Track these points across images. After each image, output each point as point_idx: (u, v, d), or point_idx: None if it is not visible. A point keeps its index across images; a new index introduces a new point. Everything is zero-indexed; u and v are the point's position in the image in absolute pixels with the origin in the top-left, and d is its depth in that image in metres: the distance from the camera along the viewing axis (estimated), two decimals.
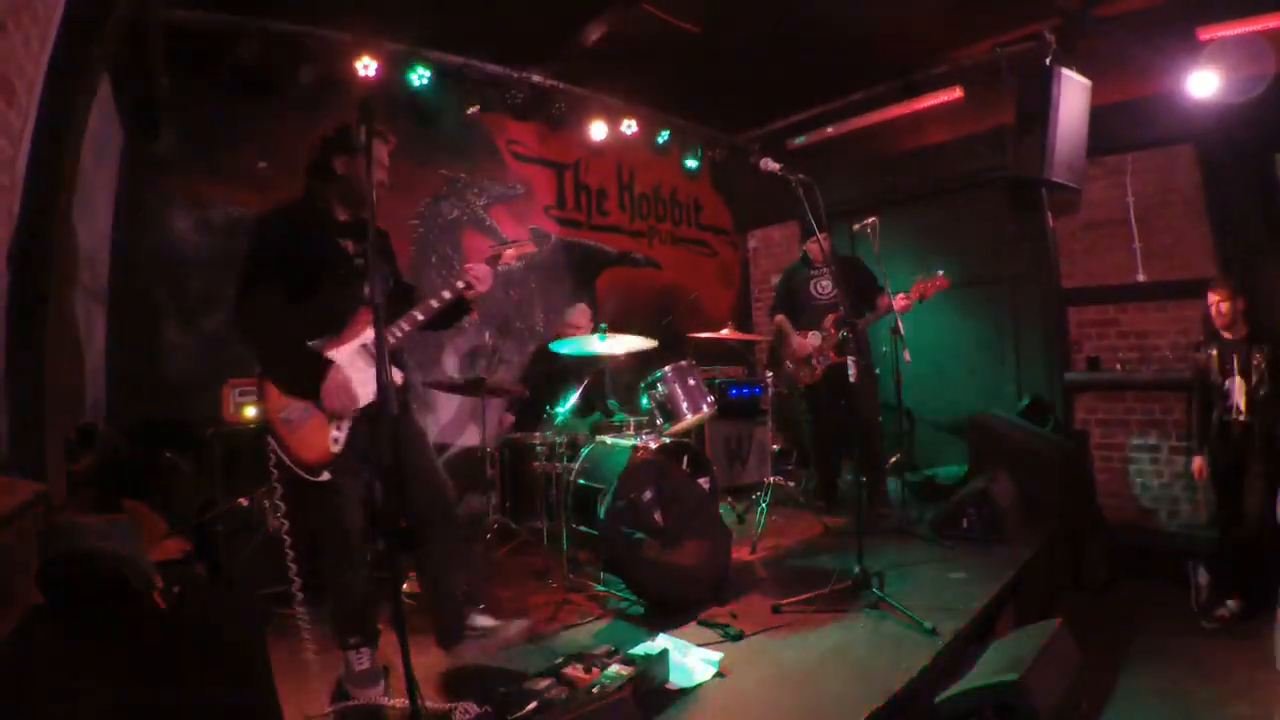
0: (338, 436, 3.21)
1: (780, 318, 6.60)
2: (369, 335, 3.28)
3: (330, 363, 3.19)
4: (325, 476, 3.18)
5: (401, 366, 3.47)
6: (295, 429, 3.16)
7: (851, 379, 4.78)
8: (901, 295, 5.73)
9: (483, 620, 3.67)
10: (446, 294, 3.49)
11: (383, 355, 2.46)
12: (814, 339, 6.20)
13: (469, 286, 3.53)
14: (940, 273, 5.68)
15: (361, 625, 3.38)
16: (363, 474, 3.30)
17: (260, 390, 3.21)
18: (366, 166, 2.65)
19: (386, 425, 2.61)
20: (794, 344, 6.36)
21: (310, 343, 3.23)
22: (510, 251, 3.79)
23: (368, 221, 2.65)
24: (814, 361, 6.16)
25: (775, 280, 9.64)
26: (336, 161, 3.40)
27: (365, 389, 3.25)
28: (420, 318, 3.43)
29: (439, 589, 3.62)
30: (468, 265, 3.59)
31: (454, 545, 3.65)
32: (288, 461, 3.14)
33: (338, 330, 3.29)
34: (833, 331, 6.09)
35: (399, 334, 3.39)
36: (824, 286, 6.40)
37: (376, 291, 2.63)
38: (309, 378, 3.16)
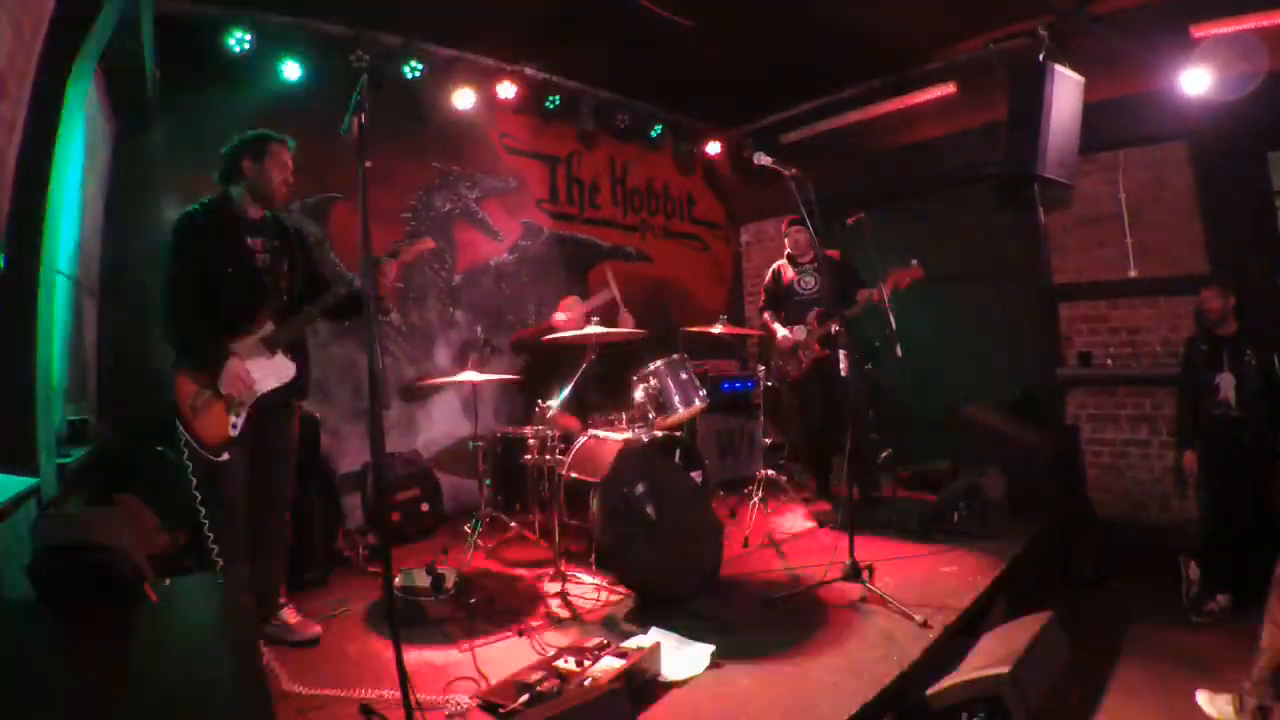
0: (236, 423, 3.59)
1: (766, 315, 6.66)
2: (268, 329, 3.69)
3: (229, 354, 3.54)
4: (225, 457, 3.55)
5: (298, 359, 3.84)
6: (199, 414, 3.52)
7: (843, 372, 4.80)
8: (881, 285, 5.73)
9: (288, 617, 3.87)
10: (342, 290, 3.84)
11: (374, 350, 2.49)
12: (798, 333, 6.26)
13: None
14: (914, 262, 5.70)
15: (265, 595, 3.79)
16: (247, 457, 3.69)
17: (174, 382, 3.54)
18: (360, 155, 2.70)
19: (377, 415, 2.68)
20: (778, 339, 6.42)
21: (220, 334, 3.60)
22: (411, 248, 3.95)
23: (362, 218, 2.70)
24: (800, 354, 6.21)
25: (767, 274, 9.71)
26: (245, 164, 3.70)
27: (265, 380, 3.68)
28: (314, 312, 3.78)
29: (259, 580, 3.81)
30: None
31: (273, 544, 3.90)
32: (193, 443, 3.50)
33: (243, 323, 3.64)
34: (815, 326, 6.13)
35: (296, 329, 3.76)
36: (807, 282, 6.46)
37: (369, 284, 2.66)
38: (212, 365, 3.52)
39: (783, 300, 6.58)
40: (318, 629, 3.85)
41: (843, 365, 4.80)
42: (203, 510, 3.50)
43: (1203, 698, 3.72)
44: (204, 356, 3.54)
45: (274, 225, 3.88)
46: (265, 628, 3.75)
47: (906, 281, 5.72)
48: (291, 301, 3.82)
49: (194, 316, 3.55)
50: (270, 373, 3.69)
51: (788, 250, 6.64)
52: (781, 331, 6.42)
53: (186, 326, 3.55)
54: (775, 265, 6.82)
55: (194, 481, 3.51)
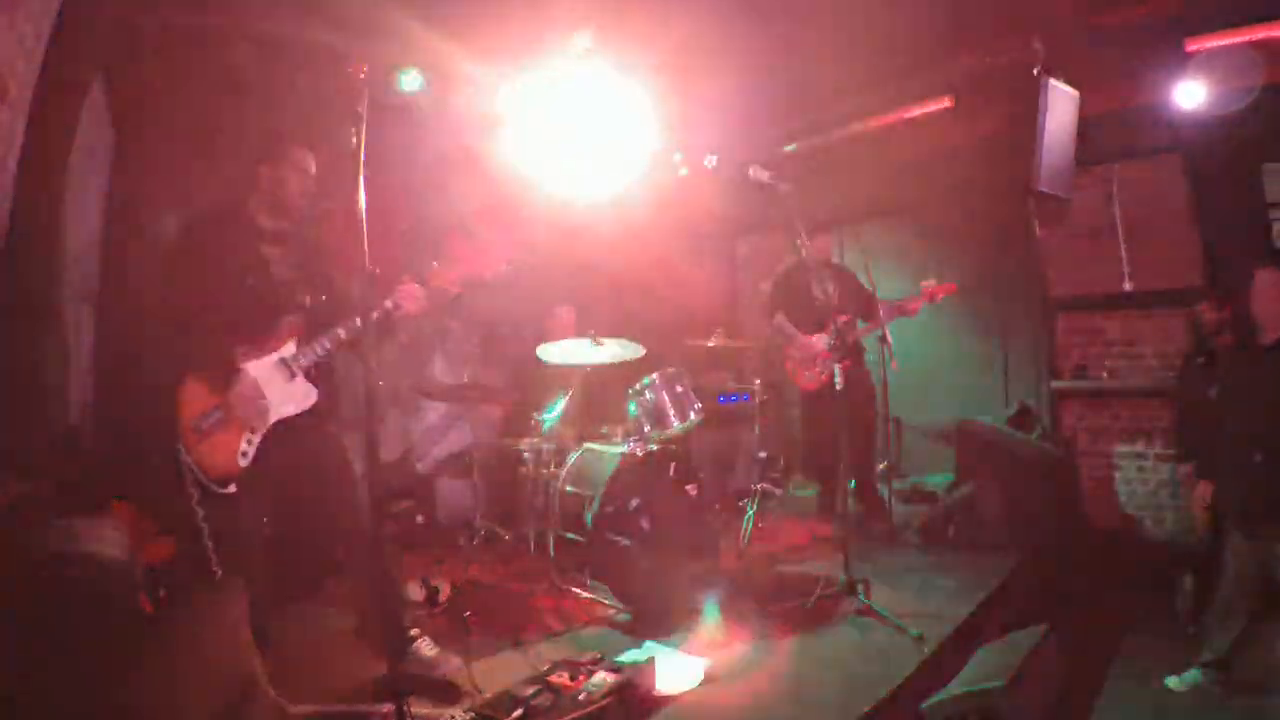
0: (246, 451, 3.16)
1: (780, 318, 6.45)
2: (289, 349, 3.30)
3: (238, 370, 3.14)
4: (231, 489, 3.12)
5: (316, 383, 3.40)
6: (204, 438, 3.10)
7: (839, 385, 4.79)
8: (912, 297, 5.78)
9: (425, 650, 3.45)
10: (377, 310, 3.40)
11: (370, 362, 2.47)
12: (820, 342, 6.09)
13: (396, 307, 3.45)
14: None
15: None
16: (266, 493, 3.29)
17: (176, 397, 3.13)
18: (357, 169, 2.66)
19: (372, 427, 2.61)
20: (800, 344, 6.24)
21: (229, 352, 3.18)
22: (446, 274, 3.62)
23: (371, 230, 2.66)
24: (819, 364, 6.09)
25: (765, 286, 9.69)
26: (260, 169, 3.37)
27: (282, 405, 3.25)
28: (342, 335, 3.36)
29: (369, 622, 3.51)
30: (401, 284, 3.48)
31: (373, 577, 3.36)
32: (195, 470, 3.07)
33: (258, 340, 3.25)
34: (841, 335, 6.01)
35: (320, 351, 3.32)
36: (826, 289, 6.29)
37: (368, 294, 2.60)
38: (216, 381, 3.12)
39: (797, 306, 6.34)
40: (456, 661, 3.42)
41: (839, 379, 4.79)
42: (210, 544, 3.11)
43: (1171, 681, 4.04)
44: (207, 370, 3.15)
45: (295, 239, 3.54)
46: (405, 666, 3.32)
47: (941, 295, 5.73)
48: (315, 320, 3.42)
49: (196, 324, 3.16)
50: (288, 398, 3.27)
51: (799, 253, 6.46)
52: (803, 339, 6.23)
53: (188, 335, 3.17)
54: (784, 268, 6.69)
55: (199, 513, 3.08)
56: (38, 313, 3.29)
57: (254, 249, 3.34)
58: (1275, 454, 3.78)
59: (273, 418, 3.22)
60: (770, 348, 6.89)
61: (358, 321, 3.33)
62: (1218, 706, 3.82)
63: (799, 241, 4.47)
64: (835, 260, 6.59)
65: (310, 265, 3.53)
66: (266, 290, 3.32)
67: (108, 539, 2.72)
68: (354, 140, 2.72)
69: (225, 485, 3.10)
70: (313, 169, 3.44)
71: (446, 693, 3.31)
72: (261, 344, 3.25)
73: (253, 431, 3.18)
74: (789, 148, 8.63)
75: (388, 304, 3.42)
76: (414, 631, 3.47)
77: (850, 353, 5.90)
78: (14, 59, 2.81)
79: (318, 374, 3.39)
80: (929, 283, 5.73)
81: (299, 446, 3.33)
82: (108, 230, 5.08)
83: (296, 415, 3.29)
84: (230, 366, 3.15)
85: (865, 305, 5.98)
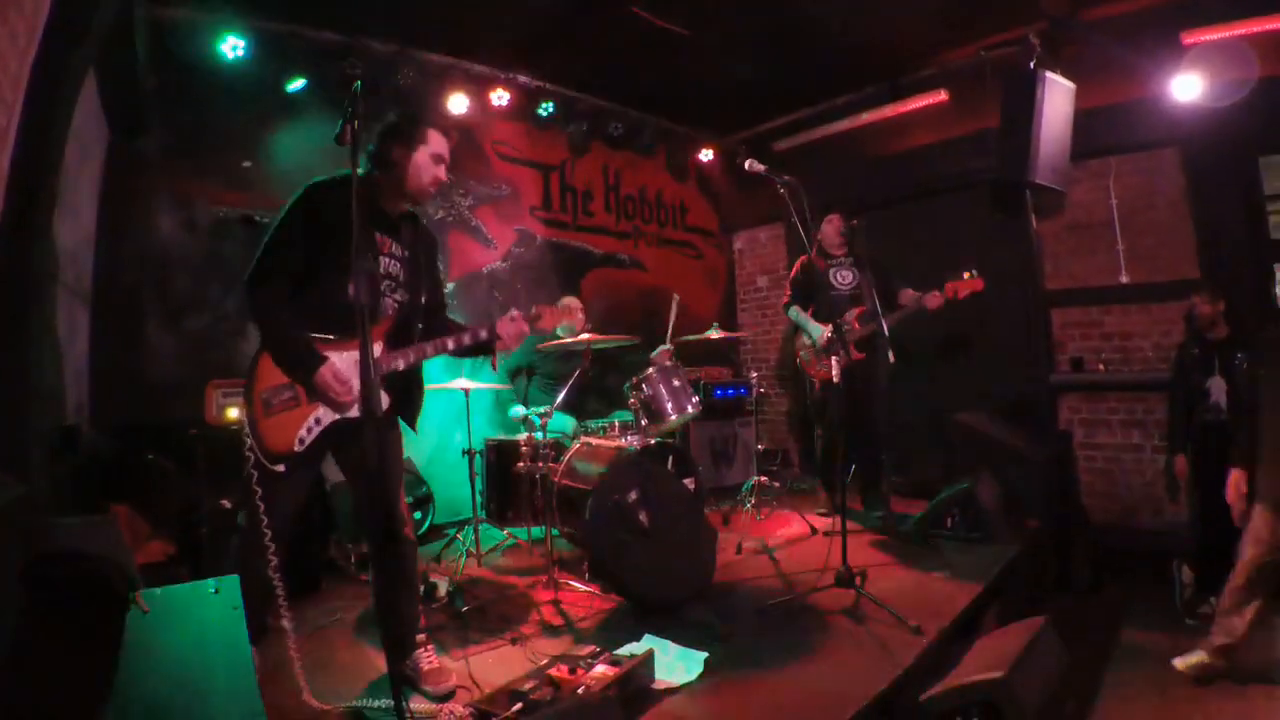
0: (304, 437, 3.09)
1: (797, 309, 6.36)
2: (375, 350, 3.04)
3: (324, 358, 3.03)
4: (280, 469, 3.05)
5: (397, 392, 3.31)
6: (271, 412, 3.04)
7: (835, 379, 4.77)
8: (936, 293, 5.72)
9: (426, 663, 3.37)
10: (471, 336, 3.38)
11: (367, 354, 2.44)
12: (830, 333, 5.95)
13: (499, 339, 3.38)
14: (972, 272, 5.70)
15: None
16: (307, 483, 3.28)
17: (253, 365, 3.07)
18: (353, 161, 2.62)
19: (369, 433, 2.56)
20: (818, 338, 6.16)
21: (316, 337, 3.09)
22: (550, 316, 3.52)
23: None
24: (833, 356, 5.98)
25: (761, 281, 9.70)
26: (395, 151, 3.24)
27: (355, 406, 3.14)
28: (430, 352, 3.27)
29: (386, 616, 3.40)
30: (509, 316, 3.40)
31: (400, 576, 3.35)
32: (250, 441, 3.01)
33: (346, 332, 3.11)
34: (856, 325, 5.96)
35: (402, 364, 3.20)
36: (844, 276, 6.23)
37: (361, 292, 2.53)
38: (302, 366, 3.03)
39: (814, 294, 6.22)
40: (452, 682, 3.31)
41: (835, 372, 4.77)
42: (244, 513, 3.13)
43: (1178, 661, 4.06)
44: (289, 355, 3.06)
45: (410, 228, 3.41)
46: (402, 667, 3.28)
47: (965, 291, 5.68)
48: (404, 323, 3.32)
49: (284, 298, 3.06)
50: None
51: (818, 242, 6.33)
52: (819, 331, 6.11)
53: (274, 309, 3.05)
54: (802, 258, 6.59)
55: (259, 491, 3.02)
56: (32, 313, 3.27)
57: (369, 230, 3.21)
58: None
59: (353, 410, 3.14)
60: (784, 338, 6.83)
61: (449, 344, 3.32)
62: (1222, 694, 3.83)
63: (810, 234, 4.43)
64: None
65: (418, 263, 3.42)
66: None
67: (104, 537, 2.71)
68: (348, 136, 2.67)
69: (275, 463, 3.04)
70: (447, 156, 3.33)
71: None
72: (348, 334, 3.11)
73: (317, 422, 3.11)
74: (785, 141, 8.64)
75: (483, 335, 3.39)
76: (419, 637, 3.41)
77: (862, 345, 5.86)
78: (7, 57, 2.80)
79: (399, 384, 3.30)
80: (951, 279, 5.68)
81: (356, 447, 3.23)
82: (102, 228, 5.07)
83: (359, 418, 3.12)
84: (313, 351, 3.05)
85: (888, 293, 5.94)
